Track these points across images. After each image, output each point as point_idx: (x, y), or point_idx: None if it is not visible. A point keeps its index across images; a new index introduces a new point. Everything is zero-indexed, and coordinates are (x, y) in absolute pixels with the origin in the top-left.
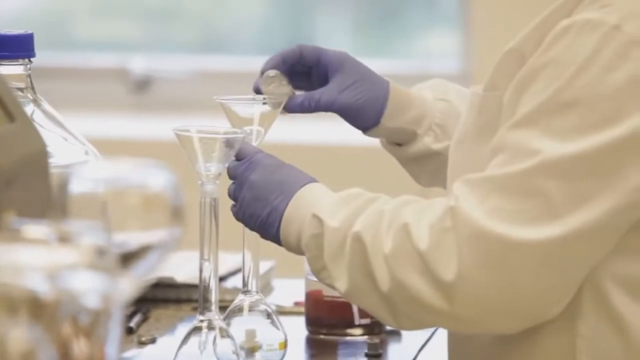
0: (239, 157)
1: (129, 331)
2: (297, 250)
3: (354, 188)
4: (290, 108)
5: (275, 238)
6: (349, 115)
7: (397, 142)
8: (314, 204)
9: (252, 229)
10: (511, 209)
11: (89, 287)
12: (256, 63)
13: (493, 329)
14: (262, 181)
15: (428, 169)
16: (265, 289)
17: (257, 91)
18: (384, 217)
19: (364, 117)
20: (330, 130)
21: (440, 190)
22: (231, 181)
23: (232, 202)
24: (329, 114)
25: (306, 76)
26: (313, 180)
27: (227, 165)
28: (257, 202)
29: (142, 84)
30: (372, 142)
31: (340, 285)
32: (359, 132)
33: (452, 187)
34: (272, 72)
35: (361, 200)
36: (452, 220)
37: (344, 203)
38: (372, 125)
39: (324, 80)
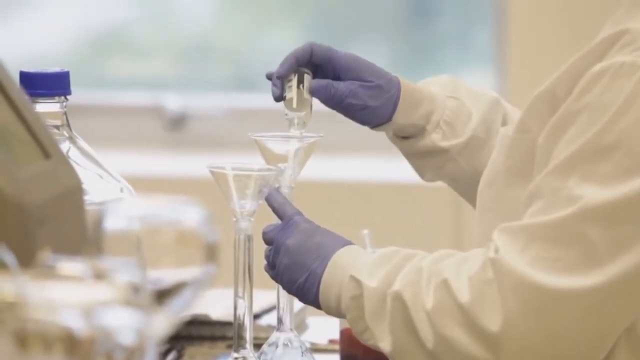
0: (278, 214)
1: None
2: (338, 313)
3: (389, 247)
4: (315, 88)
5: (315, 302)
6: (362, 112)
7: (404, 136)
8: (351, 266)
9: (290, 293)
10: (553, 258)
11: (124, 324)
12: None
13: None
14: (298, 246)
15: (433, 164)
16: (300, 326)
17: (279, 98)
18: (423, 273)
19: (376, 115)
20: (364, 168)
21: (474, 238)
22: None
23: (267, 250)
24: (364, 149)
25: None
26: (349, 243)
27: (261, 201)
28: (295, 267)
29: (177, 122)
30: (405, 179)
31: (384, 345)
32: (391, 167)
33: (492, 236)
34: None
35: (398, 258)
36: (494, 271)
37: (381, 263)
38: (384, 122)
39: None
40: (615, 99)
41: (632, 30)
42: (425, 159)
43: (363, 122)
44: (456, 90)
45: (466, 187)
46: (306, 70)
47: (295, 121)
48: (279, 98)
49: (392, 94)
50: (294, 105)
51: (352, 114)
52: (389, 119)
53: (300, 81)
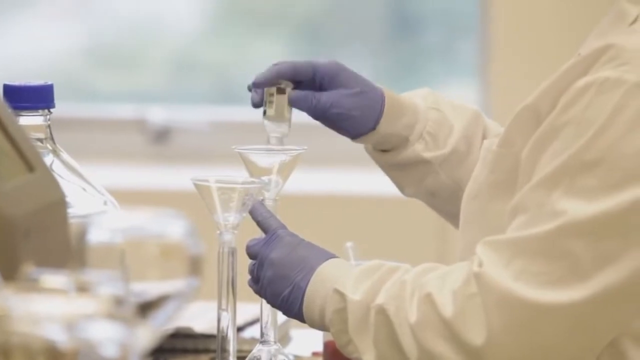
0: (262, 228)
1: None
2: (321, 326)
3: (373, 260)
4: (295, 99)
5: (298, 315)
6: (347, 121)
7: (385, 149)
8: (335, 279)
9: (274, 306)
10: (537, 272)
11: (107, 336)
12: None
13: None
14: (282, 259)
15: (414, 177)
16: (284, 339)
17: (259, 104)
18: (406, 287)
19: (361, 124)
20: (348, 181)
21: (458, 251)
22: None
23: (250, 265)
24: (347, 161)
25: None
26: (332, 256)
27: (244, 214)
28: (279, 280)
29: (161, 135)
30: (390, 191)
31: (368, 358)
32: (375, 180)
33: (475, 250)
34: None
35: (381, 272)
36: (477, 285)
37: (365, 276)
38: (368, 132)
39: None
40: (600, 114)
41: (617, 46)
42: (406, 171)
43: (347, 132)
44: (437, 103)
45: (445, 201)
46: (287, 83)
47: (274, 135)
48: (258, 104)
49: (376, 102)
50: (273, 118)
51: (337, 124)
52: (373, 127)
53: (281, 94)
